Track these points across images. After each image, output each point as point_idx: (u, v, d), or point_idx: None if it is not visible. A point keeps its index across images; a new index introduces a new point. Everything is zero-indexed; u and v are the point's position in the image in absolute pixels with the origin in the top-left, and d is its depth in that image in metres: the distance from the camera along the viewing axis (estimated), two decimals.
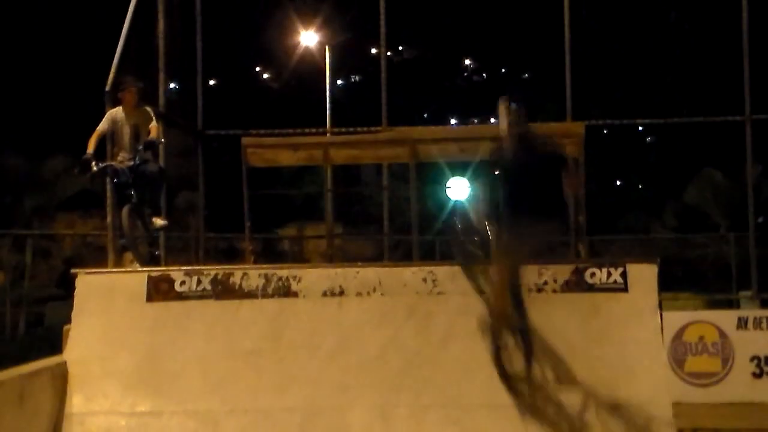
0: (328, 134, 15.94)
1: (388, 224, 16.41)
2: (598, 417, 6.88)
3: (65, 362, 7.07)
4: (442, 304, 7.13)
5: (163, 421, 6.90)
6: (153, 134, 8.93)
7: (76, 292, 7.32)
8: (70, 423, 6.84)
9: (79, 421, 6.85)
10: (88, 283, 7.37)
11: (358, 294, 7.41)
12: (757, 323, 10.89)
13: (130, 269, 8.28)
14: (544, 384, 6.85)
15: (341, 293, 7.42)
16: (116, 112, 8.96)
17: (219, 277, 7.45)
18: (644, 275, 7.39)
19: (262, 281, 7.44)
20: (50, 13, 35.15)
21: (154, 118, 9.16)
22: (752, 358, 10.77)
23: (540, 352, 7.04)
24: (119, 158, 8.88)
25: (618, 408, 6.91)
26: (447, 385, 6.76)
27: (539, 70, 37.68)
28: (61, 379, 6.98)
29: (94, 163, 8.67)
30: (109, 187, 9.46)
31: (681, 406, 7.38)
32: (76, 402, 6.94)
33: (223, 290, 7.41)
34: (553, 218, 7.13)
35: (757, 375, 10.75)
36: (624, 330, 7.24)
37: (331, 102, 21.32)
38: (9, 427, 6.27)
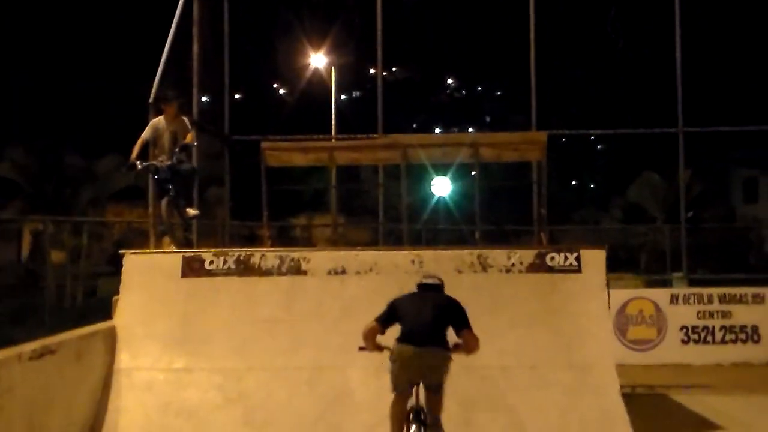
0: (333, 140, 15.90)
1: (383, 215, 16.41)
2: (557, 375, 6.90)
3: (114, 326, 7.08)
4: None
5: (195, 376, 6.91)
6: (188, 139, 8.95)
7: (123, 269, 7.34)
8: (118, 376, 6.86)
9: (126, 375, 6.88)
10: (133, 262, 7.38)
11: (358, 273, 7.42)
12: (686, 299, 10.95)
13: (167, 251, 8.27)
14: (513, 347, 6.87)
15: (343, 272, 7.43)
16: (158, 121, 8.95)
17: (242, 257, 7.46)
18: (594, 259, 7.41)
19: (277, 261, 7.45)
20: (102, 39, 35.20)
21: (190, 127, 9.17)
22: (681, 328, 10.84)
23: (510, 322, 7.09)
24: (160, 159, 8.87)
25: (572, 368, 6.93)
26: None
27: (509, 88, 37.63)
28: (111, 340, 7.00)
29: (139, 162, 8.69)
30: (151, 182, 9.46)
31: (623, 367, 7.41)
32: (123, 359, 6.96)
33: (245, 269, 7.42)
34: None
35: (685, 342, 10.83)
36: (577, 304, 7.25)
37: (335, 113, 21.26)
38: (69, 379, 6.31)
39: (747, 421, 7.53)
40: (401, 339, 5.44)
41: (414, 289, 5.78)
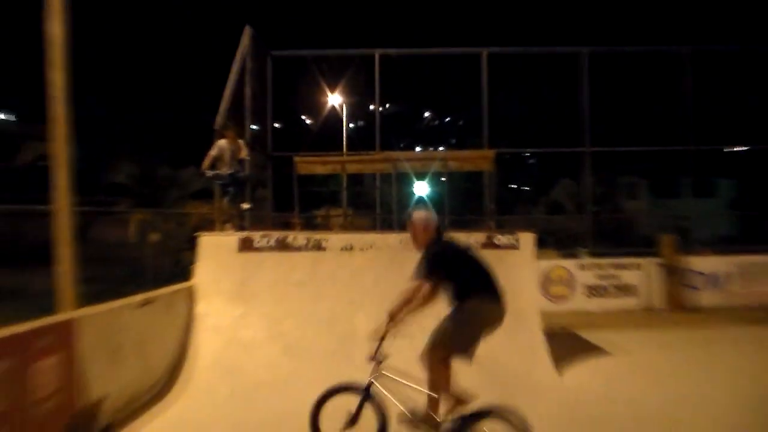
0: (344, 155, 15.94)
1: (379, 209, 16.48)
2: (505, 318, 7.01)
3: (193, 285, 7.16)
4: (410, 256, 7.18)
5: (249, 320, 6.98)
6: (243, 155, 9.02)
7: (199, 246, 7.41)
8: (197, 320, 6.93)
9: (203, 319, 6.95)
10: (205, 242, 7.45)
11: (361, 249, 7.50)
12: (589, 267, 11.07)
13: (228, 233, 8.36)
14: None
15: (351, 248, 7.50)
16: (222, 143, 9.02)
17: (280, 238, 7.53)
18: (527, 239, 7.51)
19: (305, 241, 7.52)
20: (182, 83, 35.07)
21: (244, 146, 9.22)
22: (585, 287, 10.96)
23: None
24: (223, 169, 8.94)
25: (513, 313, 6.97)
26: None
27: (469, 119, 37.58)
28: (192, 294, 7.08)
29: (209, 172, 8.78)
30: (217, 186, 9.53)
31: (545, 313, 7.51)
32: (200, 308, 7.03)
33: (282, 246, 7.49)
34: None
35: (587, 296, 10.95)
36: (515, 271, 7.31)
37: (346, 136, 21.29)
38: (164, 321, 6.41)
39: (628, 348, 7.70)
40: (483, 293, 3.54)
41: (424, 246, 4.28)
